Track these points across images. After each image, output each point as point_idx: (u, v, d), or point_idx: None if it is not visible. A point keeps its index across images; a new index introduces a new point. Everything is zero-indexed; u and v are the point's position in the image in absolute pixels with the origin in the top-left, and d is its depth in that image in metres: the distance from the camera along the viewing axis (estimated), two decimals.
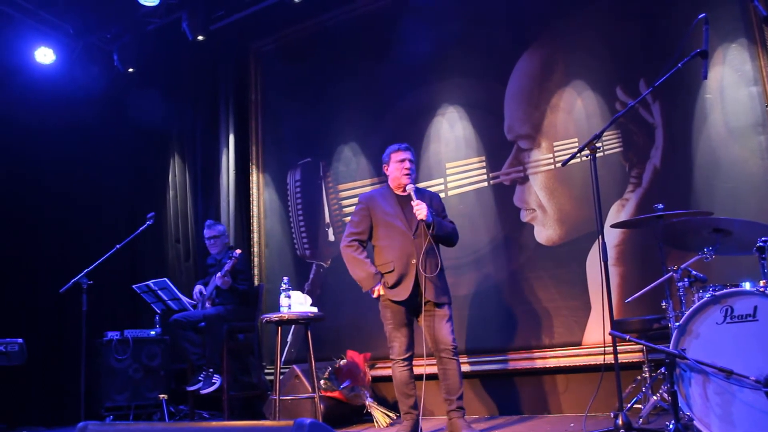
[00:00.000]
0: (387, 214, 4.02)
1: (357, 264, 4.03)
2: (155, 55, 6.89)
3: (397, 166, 4.06)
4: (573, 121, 5.01)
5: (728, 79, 4.49)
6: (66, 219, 6.78)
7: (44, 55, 6.41)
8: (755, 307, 2.81)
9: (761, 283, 2.86)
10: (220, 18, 6.59)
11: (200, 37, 6.24)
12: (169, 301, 5.74)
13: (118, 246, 5.22)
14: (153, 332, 6.03)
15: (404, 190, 4.04)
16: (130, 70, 6.67)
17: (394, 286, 3.92)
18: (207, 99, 6.96)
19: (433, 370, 3.89)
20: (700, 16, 3.25)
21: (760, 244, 2.96)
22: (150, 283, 5.69)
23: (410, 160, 4.06)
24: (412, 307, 3.91)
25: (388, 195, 4.10)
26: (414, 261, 3.88)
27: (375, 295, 4.00)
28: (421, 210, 3.85)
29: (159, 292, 5.71)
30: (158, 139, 7.21)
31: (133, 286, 5.82)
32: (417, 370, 3.95)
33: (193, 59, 6.94)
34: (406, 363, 3.95)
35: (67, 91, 6.67)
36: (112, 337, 5.82)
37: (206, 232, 5.69)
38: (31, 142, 6.57)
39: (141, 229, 5.39)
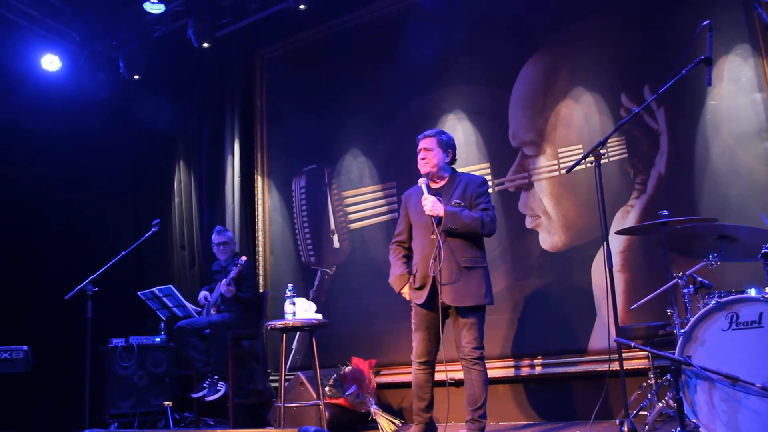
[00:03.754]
0: (417, 213, 3.86)
1: (391, 267, 3.98)
2: (161, 62, 6.93)
3: None
4: (577, 128, 5.02)
5: (732, 85, 4.48)
6: (72, 225, 6.81)
7: (50, 63, 6.46)
8: (761, 314, 2.81)
9: (767, 289, 2.85)
10: (226, 25, 6.63)
11: (206, 44, 6.28)
12: (174, 308, 5.75)
13: (123, 253, 5.23)
14: (158, 339, 6.04)
15: (435, 182, 3.92)
16: (136, 77, 6.71)
17: (419, 288, 3.81)
18: (212, 106, 6.99)
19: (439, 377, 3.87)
20: (704, 23, 3.25)
21: (766, 250, 2.96)
22: (155, 290, 5.70)
23: (425, 149, 3.90)
24: (435, 311, 3.75)
25: (426, 186, 3.85)
26: (432, 261, 3.73)
27: (407, 298, 3.91)
28: (425, 205, 3.72)
29: (164, 299, 5.71)
30: (164, 145, 7.23)
31: (138, 293, 5.83)
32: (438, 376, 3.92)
33: (198, 66, 6.97)
34: (421, 366, 3.84)
35: (73, 98, 6.71)
36: (117, 344, 5.82)
37: (216, 238, 5.70)
38: (37, 148, 6.61)
39: (146, 236, 5.39)
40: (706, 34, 3.25)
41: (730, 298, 2.93)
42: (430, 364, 3.85)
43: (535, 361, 4.89)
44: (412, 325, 3.90)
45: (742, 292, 2.96)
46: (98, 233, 6.83)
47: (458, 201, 3.79)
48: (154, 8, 6.03)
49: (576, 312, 4.80)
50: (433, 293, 3.75)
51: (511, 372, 4.94)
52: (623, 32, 4.91)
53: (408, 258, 3.99)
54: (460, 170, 4.03)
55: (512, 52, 5.36)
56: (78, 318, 5.18)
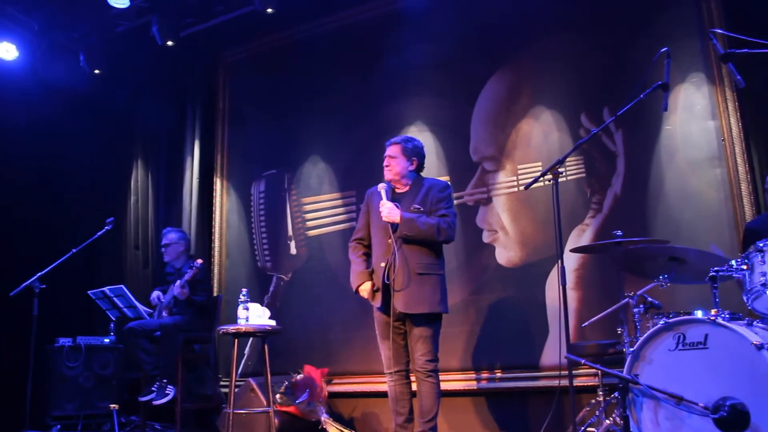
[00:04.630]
0: (377, 215, 3.80)
1: (351, 264, 3.93)
2: (123, 58, 6.79)
3: None
4: (537, 146, 5.09)
5: (687, 112, 4.61)
6: (21, 219, 6.61)
7: (7, 51, 6.28)
8: (706, 335, 2.87)
9: (712, 311, 2.92)
10: (190, 24, 6.53)
11: (170, 43, 6.17)
12: (125, 309, 5.63)
13: (74, 250, 5.11)
14: (107, 340, 5.90)
15: (398, 188, 3.91)
16: (96, 71, 6.57)
17: (377, 291, 3.77)
18: (174, 105, 6.89)
19: (375, 388, 3.78)
20: (662, 50, 3.33)
21: (712, 273, 3.04)
22: (106, 289, 5.58)
23: (389, 156, 3.89)
24: (395, 318, 3.71)
25: (387, 191, 3.86)
26: (382, 264, 3.72)
27: (364, 296, 3.85)
28: (383, 211, 3.70)
29: (114, 299, 5.60)
30: (123, 142, 7.11)
31: (89, 292, 5.69)
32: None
33: (161, 64, 6.86)
34: (392, 376, 3.78)
35: (31, 89, 6.54)
36: (63, 343, 5.67)
37: (162, 240, 5.63)
38: None
39: (99, 233, 5.28)
40: (664, 61, 3.33)
41: (677, 319, 2.99)
42: (401, 374, 3.78)
43: (487, 374, 4.92)
44: (377, 335, 3.86)
45: (690, 314, 3.03)
46: (50, 228, 6.66)
47: (418, 206, 3.77)
48: (118, 3, 5.91)
49: (529, 327, 4.85)
50: (388, 299, 3.72)
51: (462, 385, 4.96)
52: (586, 54, 5.01)
53: (368, 256, 3.94)
54: None
55: (477, 67, 5.42)
56: (23, 315, 5.03)
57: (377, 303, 3.78)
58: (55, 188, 6.85)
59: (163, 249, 5.61)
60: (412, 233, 3.68)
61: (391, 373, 3.79)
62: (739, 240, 4.22)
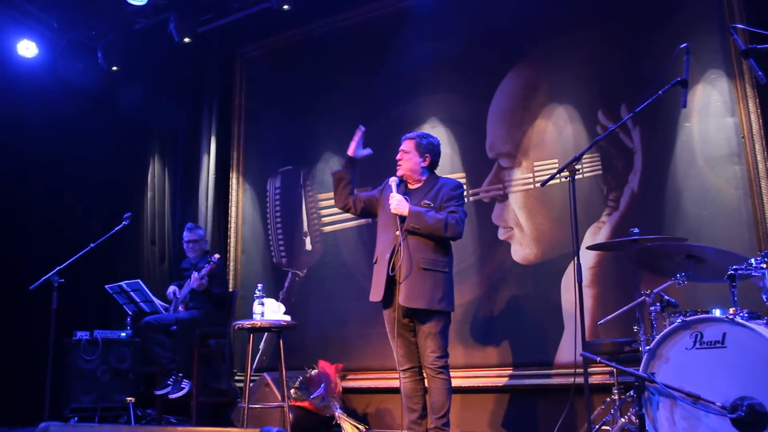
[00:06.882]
0: (387, 204, 3.79)
1: None
2: (140, 55, 6.85)
3: None
4: (554, 142, 5.06)
5: (707, 109, 4.56)
6: (39, 215, 6.68)
7: (27, 48, 6.35)
8: (724, 334, 2.85)
9: (731, 310, 2.90)
10: (207, 21, 6.58)
11: (186, 40, 6.23)
12: (142, 303, 5.67)
13: (92, 245, 5.15)
14: (123, 334, 5.96)
15: (411, 184, 3.91)
16: (114, 68, 6.62)
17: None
18: (190, 101, 6.94)
19: (389, 384, 3.77)
20: (681, 46, 3.30)
21: (731, 272, 3.01)
22: (123, 284, 5.62)
23: (403, 151, 3.90)
24: (399, 313, 3.67)
25: (398, 185, 3.86)
26: (387, 256, 3.71)
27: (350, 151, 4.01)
28: (392, 203, 3.69)
29: (131, 293, 5.64)
30: (139, 139, 7.17)
31: (106, 287, 5.74)
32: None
33: (178, 61, 6.91)
34: (405, 375, 3.78)
35: (49, 86, 6.60)
36: (81, 337, 5.73)
37: (186, 236, 5.63)
38: (8, 134, 6.47)
39: (116, 229, 5.32)
40: (683, 57, 3.29)
41: (695, 317, 2.97)
42: (413, 371, 3.78)
43: (502, 372, 4.91)
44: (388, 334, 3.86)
45: (707, 312, 3.00)
46: (68, 223, 6.72)
47: (428, 202, 3.76)
48: (136, 0, 5.96)
49: (544, 325, 4.83)
50: (391, 293, 3.71)
51: (477, 382, 4.95)
52: (604, 51, 4.96)
53: (350, 193, 4.00)
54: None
55: (493, 64, 5.40)
56: (42, 309, 5.09)
57: (374, 296, 3.75)
58: (73, 184, 6.90)
59: (190, 245, 5.59)
60: (420, 226, 3.65)
61: (403, 370, 3.79)
62: (759, 237, 4.19)
